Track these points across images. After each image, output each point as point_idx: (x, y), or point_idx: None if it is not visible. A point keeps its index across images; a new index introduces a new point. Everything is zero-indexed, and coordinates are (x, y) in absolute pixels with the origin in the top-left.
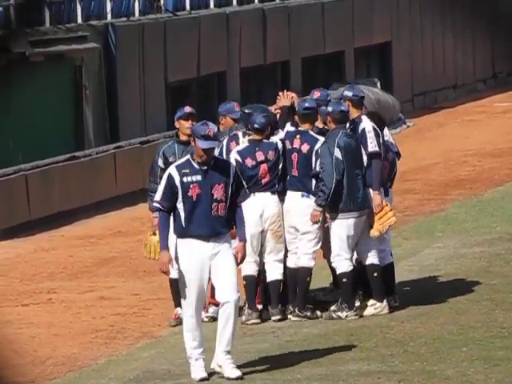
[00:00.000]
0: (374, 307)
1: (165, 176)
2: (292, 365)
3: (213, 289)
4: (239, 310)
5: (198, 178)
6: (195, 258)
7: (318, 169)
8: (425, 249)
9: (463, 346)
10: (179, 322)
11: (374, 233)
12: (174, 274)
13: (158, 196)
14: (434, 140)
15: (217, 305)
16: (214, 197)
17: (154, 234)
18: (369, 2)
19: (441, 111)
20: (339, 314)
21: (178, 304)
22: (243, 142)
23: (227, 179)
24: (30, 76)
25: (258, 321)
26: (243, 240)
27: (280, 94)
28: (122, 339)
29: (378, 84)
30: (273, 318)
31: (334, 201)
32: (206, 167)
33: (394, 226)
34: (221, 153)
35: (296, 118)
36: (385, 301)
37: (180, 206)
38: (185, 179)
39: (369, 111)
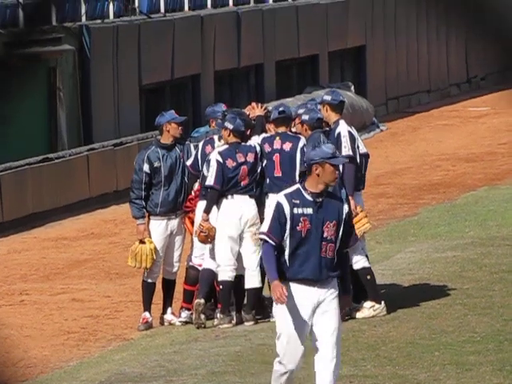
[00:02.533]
0: (373, 309)
1: (272, 204)
2: (264, 368)
3: (185, 292)
4: (212, 313)
5: (310, 211)
6: (299, 305)
7: (304, 166)
8: (397, 253)
9: (435, 350)
10: (148, 326)
11: None
12: (149, 279)
13: (264, 226)
14: (407, 144)
15: (189, 309)
16: (324, 235)
17: (142, 242)
18: (343, 5)
19: (415, 115)
20: None
21: (146, 308)
22: (218, 146)
23: (340, 217)
24: (3, 77)
25: (230, 325)
26: (348, 293)
27: (253, 104)
28: (94, 341)
29: (352, 88)
30: (246, 324)
31: None
32: (320, 199)
33: (368, 232)
34: (196, 156)
35: (269, 127)
36: (383, 302)
37: (286, 241)
38: (295, 210)
39: None
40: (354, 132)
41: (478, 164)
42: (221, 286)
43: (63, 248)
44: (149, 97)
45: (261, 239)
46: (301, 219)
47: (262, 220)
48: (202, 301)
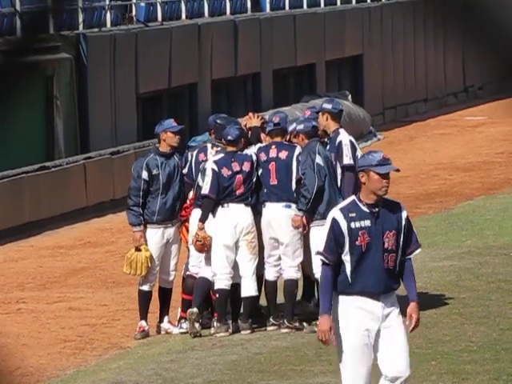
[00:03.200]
0: None
1: (328, 221)
2: (260, 377)
3: (184, 302)
4: (209, 322)
5: (367, 223)
6: (364, 321)
7: (300, 174)
8: None
9: (432, 359)
10: (144, 335)
11: None
12: (145, 287)
13: (321, 245)
14: (404, 153)
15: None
16: (385, 246)
17: (138, 249)
18: (340, 14)
19: (411, 124)
20: None
21: (143, 317)
22: (211, 154)
23: (399, 226)
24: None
25: (227, 334)
26: (415, 300)
27: (250, 114)
28: (91, 350)
29: (349, 97)
30: (243, 332)
31: (317, 206)
32: (376, 209)
33: None
34: (190, 165)
35: (265, 138)
36: None
37: (346, 257)
38: (352, 225)
39: None
40: (354, 141)
41: (475, 173)
42: (217, 295)
43: (60, 256)
44: (146, 105)
45: (321, 259)
46: (359, 233)
47: (257, 229)
48: (195, 309)
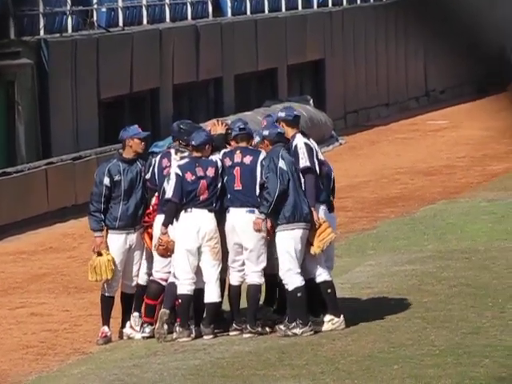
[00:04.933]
0: (332, 322)
1: None
2: (223, 382)
3: (146, 307)
4: (171, 327)
5: None
6: None
7: (263, 178)
8: (356, 267)
9: (394, 363)
10: (107, 340)
11: (315, 250)
12: (107, 293)
13: None
14: (366, 158)
15: (151, 324)
16: None
17: (100, 254)
18: (302, 19)
19: (373, 129)
20: (294, 330)
21: (105, 322)
22: (175, 159)
23: None
24: None
25: (189, 339)
26: None
27: (215, 121)
28: (53, 355)
29: (311, 101)
30: (205, 337)
31: (280, 210)
32: None
33: (333, 242)
34: (153, 170)
35: (231, 143)
36: (342, 316)
37: None
38: None
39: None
40: (313, 144)
41: (437, 177)
42: (179, 300)
43: (22, 262)
44: (107, 110)
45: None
46: None
47: (221, 235)
48: (167, 311)
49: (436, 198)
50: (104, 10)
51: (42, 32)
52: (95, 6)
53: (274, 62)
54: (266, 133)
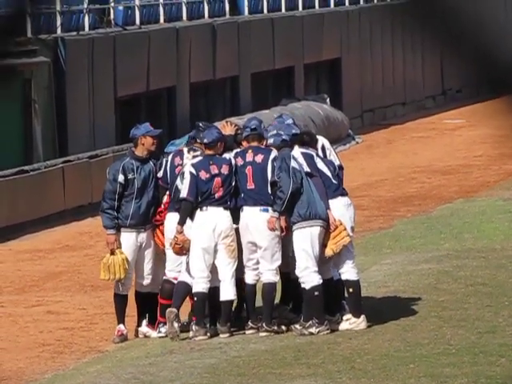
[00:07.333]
0: (349, 322)
1: None
2: (239, 381)
3: (161, 307)
4: (187, 326)
5: None
6: None
7: (275, 177)
8: (372, 265)
9: (410, 362)
10: (123, 338)
11: (328, 252)
12: (120, 291)
13: None
14: (382, 156)
15: (166, 323)
16: None
17: (112, 253)
18: (319, 18)
19: (390, 128)
20: (311, 330)
21: (120, 321)
22: (188, 158)
23: None
24: None
25: (206, 337)
26: None
27: (224, 123)
28: (69, 354)
29: (328, 100)
30: (221, 336)
31: (295, 209)
32: None
33: (347, 245)
34: (165, 169)
35: (243, 144)
36: (362, 316)
37: None
38: None
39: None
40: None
41: (454, 176)
42: (195, 298)
43: (38, 260)
44: (124, 109)
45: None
46: None
47: (237, 232)
48: (174, 309)
49: (453, 197)
50: (121, 8)
51: (59, 30)
52: (112, 4)
53: (291, 61)
54: (270, 141)
